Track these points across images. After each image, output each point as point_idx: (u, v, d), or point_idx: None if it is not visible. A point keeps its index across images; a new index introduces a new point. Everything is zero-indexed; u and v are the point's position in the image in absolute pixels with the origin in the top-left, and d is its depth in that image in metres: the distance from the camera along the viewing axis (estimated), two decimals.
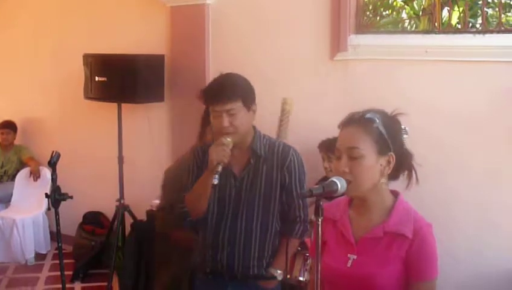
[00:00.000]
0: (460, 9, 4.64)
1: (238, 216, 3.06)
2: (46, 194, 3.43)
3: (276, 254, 3.11)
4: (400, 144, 2.25)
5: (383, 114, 2.26)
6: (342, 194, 2.20)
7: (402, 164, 2.27)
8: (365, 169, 2.19)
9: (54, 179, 3.40)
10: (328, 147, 4.20)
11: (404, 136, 2.29)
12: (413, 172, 2.30)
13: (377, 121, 2.19)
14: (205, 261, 3.14)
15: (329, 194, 2.12)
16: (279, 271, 3.08)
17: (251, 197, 3.04)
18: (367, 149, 2.18)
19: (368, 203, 2.28)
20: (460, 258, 4.09)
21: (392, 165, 2.22)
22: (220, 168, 2.84)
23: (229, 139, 2.90)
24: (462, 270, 4.09)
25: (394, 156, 2.22)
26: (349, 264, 2.25)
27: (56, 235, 3.59)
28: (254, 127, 3.11)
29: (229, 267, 3.07)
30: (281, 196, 3.06)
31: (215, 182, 2.82)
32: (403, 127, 2.29)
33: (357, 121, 2.22)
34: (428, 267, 2.18)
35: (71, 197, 3.38)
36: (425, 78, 4.25)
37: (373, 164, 2.20)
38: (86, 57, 5.39)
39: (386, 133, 2.20)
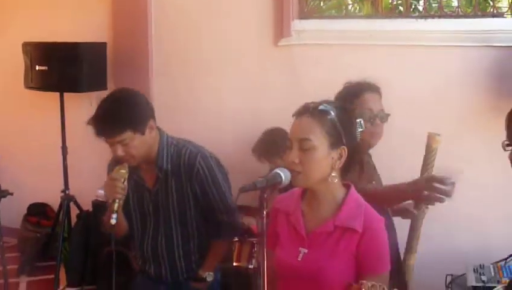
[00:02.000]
0: None
1: (159, 229, 3.00)
2: None
3: (205, 257, 3.06)
4: (353, 137, 2.25)
5: (338, 106, 2.25)
6: (288, 186, 2.20)
7: (353, 158, 2.27)
8: (316, 161, 2.18)
9: None
10: (265, 150, 4.20)
11: (359, 129, 2.28)
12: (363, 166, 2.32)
13: (332, 113, 2.18)
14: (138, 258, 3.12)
15: (274, 186, 2.11)
16: (207, 273, 3.03)
17: (167, 209, 2.97)
18: (319, 141, 2.17)
19: (319, 197, 2.28)
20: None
21: (343, 159, 2.22)
22: (116, 206, 2.72)
23: (122, 171, 2.77)
24: None
25: (346, 150, 2.21)
26: (299, 258, 2.26)
27: None
28: (161, 134, 2.97)
29: (157, 277, 3.06)
30: (197, 204, 2.98)
31: (113, 222, 2.71)
32: (358, 120, 2.29)
33: (310, 111, 2.21)
34: (379, 261, 2.20)
35: (11, 194, 3.31)
36: (370, 62, 4.27)
37: (324, 156, 2.19)
38: (25, 45, 5.23)
39: (340, 126, 2.19)
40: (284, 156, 2.27)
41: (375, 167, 3.17)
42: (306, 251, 2.25)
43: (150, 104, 2.95)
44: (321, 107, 2.20)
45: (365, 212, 2.24)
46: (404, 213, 3.20)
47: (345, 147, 2.21)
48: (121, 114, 2.79)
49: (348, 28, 4.44)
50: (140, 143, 2.81)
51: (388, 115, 3.01)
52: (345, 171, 2.29)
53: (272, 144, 3.98)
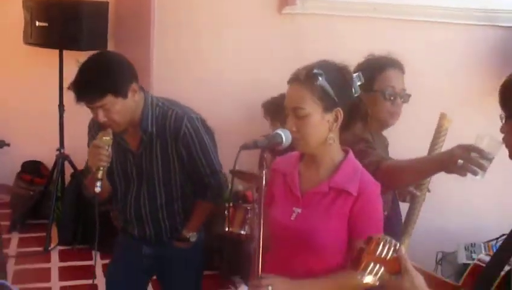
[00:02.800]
0: None
1: (141, 192, 2.95)
2: None
3: (189, 217, 3.02)
4: (348, 95, 2.22)
5: (329, 67, 2.22)
6: (289, 147, 2.20)
7: (354, 114, 2.26)
8: (312, 127, 2.18)
9: None
10: (272, 110, 4.18)
11: (358, 83, 2.26)
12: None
13: (320, 78, 2.15)
14: (119, 218, 3.10)
15: (274, 146, 2.11)
16: (191, 233, 2.99)
17: (151, 172, 2.91)
18: (311, 108, 2.17)
19: (317, 159, 2.28)
20: None
21: (340, 120, 2.21)
22: (100, 174, 2.65)
23: (107, 138, 2.67)
24: None
25: (341, 111, 2.20)
26: (293, 217, 2.25)
27: None
28: (145, 97, 2.86)
29: (141, 237, 3.03)
30: (182, 169, 2.92)
31: (98, 190, 2.64)
32: (355, 74, 2.26)
33: (301, 78, 2.19)
34: (371, 226, 2.19)
35: (8, 145, 3.28)
36: (372, 34, 4.26)
37: (319, 121, 2.18)
38: (26, 0, 5.19)
39: (331, 89, 2.17)
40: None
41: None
42: (300, 210, 2.25)
43: (132, 67, 2.81)
44: (310, 73, 2.18)
45: (361, 177, 2.24)
46: (405, 195, 3.18)
47: (339, 109, 2.19)
48: (100, 78, 2.66)
49: (353, 0, 4.41)
50: (122, 107, 2.70)
51: (409, 95, 2.89)
52: (346, 129, 2.28)
53: (282, 107, 4.02)
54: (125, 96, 2.70)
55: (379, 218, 2.24)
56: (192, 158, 2.90)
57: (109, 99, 2.64)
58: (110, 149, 2.68)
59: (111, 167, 2.86)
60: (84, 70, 2.69)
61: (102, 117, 2.67)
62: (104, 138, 2.67)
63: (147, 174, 2.93)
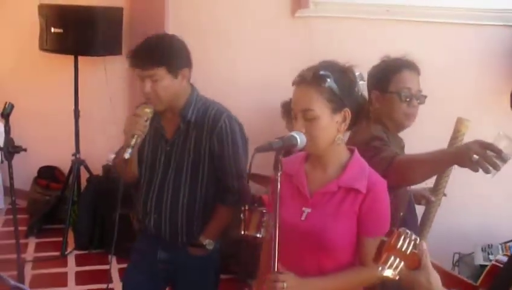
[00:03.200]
0: None
1: (166, 183, 2.96)
2: None
3: (208, 223, 3.00)
4: (354, 95, 2.24)
5: (335, 68, 2.23)
6: (302, 149, 2.21)
7: (360, 114, 2.29)
8: (321, 129, 2.19)
9: (7, 131, 3.30)
10: (288, 110, 4.18)
11: (361, 82, 2.27)
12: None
13: (328, 80, 2.16)
14: (139, 222, 3.10)
15: (289, 148, 2.13)
16: (207, 240, 2.97)
17: (180, 163, 2.93)
18: (320, 110, 2.18)
19: (324, 159, 2.29)
20: None
21: (348, 120, 2.23)
22: (133, 142, 2.71)
23: (147, 110, 2.77)
24: None
25: (349, 111, 2.21)
26: (303, 218, 2.27)
27: (10, 189, 3.52)
28: (192, 89, 2.97)
29: (156, 233, 3.00)
30: (211, 163, 2.93)
31: (127, 156, 2.70)
32: (357, 73, 2.27)
33: (308, 79, 2.19)
34: (378, 224, 2.20)
35: (25, 150, 3.30)
36: (386, 37, 4.25)
37: (328, 122, 2.20)
38: (42, 7, 5.23)
39: (339, 90, 2.18)
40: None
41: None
42: (309, 210, 2.27)
43: (190, 56, 2.94)
44: (319, 73, 2.19)
45: (369, 175, 2.25)
46: (420, 199, 3.16)
47: (347, 109, 2.21)
48: (161, 49, 2.80)
49: (366, 2, 4.41)
50: (169, 85, 2.80)
51: (425, 96, 2.88)
52: (349, 128, 2.30)
53: None
54: (175, 76, 2.81)
55: (387, 215, 2.26)
56: (223, 155, 2.92)
57: (161, 71, 2.76)
58: (148, 122, 2.77)
59: (141, 154, 2.96)
60: (149, 40, 2.85)
61: (148, 88, 2.77)
62: (145, 109, 2.77)
63: (175, 166, 2.94)
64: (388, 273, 1.68)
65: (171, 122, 2.94)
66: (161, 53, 2.78)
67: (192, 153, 2.91)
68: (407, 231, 1.70)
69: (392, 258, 1.67)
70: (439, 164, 2.49)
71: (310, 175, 2.34)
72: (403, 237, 1.68)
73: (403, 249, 1.67)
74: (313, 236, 2.23)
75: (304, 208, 2.28)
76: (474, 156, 2.18)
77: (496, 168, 2.17)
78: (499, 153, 2.17)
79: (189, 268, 3.02)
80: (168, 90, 2.80)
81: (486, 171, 2.17)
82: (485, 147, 2.18)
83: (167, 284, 3.18)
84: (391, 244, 1.68)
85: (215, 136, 2.88)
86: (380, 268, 1.68)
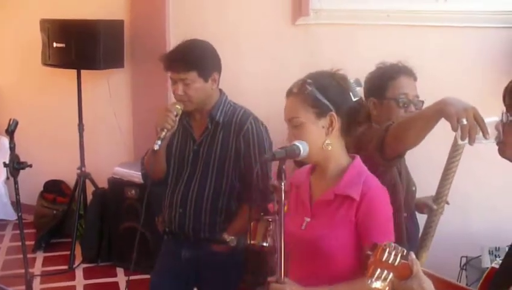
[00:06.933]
0: None
1: (193, 179, 3.09)
2: (4, 163, 3.36)
3: (231, 220, 3.12)
4: (343, 100, 2.25)
5: (322, 75, 2.28)
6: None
7: (354, 118, 2.28)
8: (307, 134, 2.23)
9: (12, 148, 3.31)
10: None
11: (357, 88, 2.28)
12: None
13: (309, 87, 2.21)
14: (164, 221, 3.22)
15: (292, 157, 2.15)
16: (230, 237, 3.00)
17: (206, 162, 3.07)
18: (304, 116, 2.23)
19: (323, 167, 2.32)
20: None
21: (335, 124, 2.24)
22: (163, 134, 2.89)
23: (178, 107, 2.95)
24: None
25: (335, 115, 2.23)
26: (303, 227, 2.30)
27: (16, 205, 3.53)
28: (221, 92, 3.14)
29: (181, 228, 3.11)
30: (237, 163, 3.06)
31: (156, 148, 2.90)
32: (352, 80, 2.28)
33: (295, 91, 2.27)
34: (377, 231, 2.19)
35: (30, 166, 3.31)
36: (387, 43, 4.25)
37: (314, 127, 2.24)
38: (43, 22, 5.24)
39: (322, 95, 2.21)
40: None
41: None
42: (309, 219, 2.30)
43: (220, 60, 3.15)
44: (300, 83, 2.26)
45: (365, 180, 2.25)
46: (422, 208, 3.15)
47: (332, 113, 2.23)
48: (193, 54, 3.01)
49: (366, 8, 4.41)
50: (200, 88, 2.99)
51: (422, 102, 2.89)
52: (348, 134, 2.30)
53: None
54: (206, 80, 3.01)
55: (386, 219, 2.25)
56: (249, 154, 3.06)
57: (193, 75, 2.96)
58: (177, 118, 2.95)
59: (169, 152, 3.12)
60: (183, 45, 3.09)
61: (181, 91, 2.97)
62: (176, 105, 2.96)
63: (202, 164, 3.08)
64: (377, 285, 1.71)
65: (199, 123, 3.12)
66: (193, 58, 2.98)
67: (219, 152, 3.06)
68: (392, 244, 1.73)
69: (379, 270, 1.71)
70: (427, 116, 2.35)
71: (314, 185, 2.37)
72: (387, 251, 1.71)
73: (390, 262, 1.70)
74: (310, 245, 2.25)
75: (305, 218, 2.32)
76: (464, 120, 2.12)
77: (472, 142, 2.11)
78: (483, 130, 2.12)
79: (212, 266, 3.13)
80: (198, 92, 2.99)
81: (463, 139, 2.10)
82: (477, 120, 2.12)
83: (192, 287, 3.31)
84: (376, 259, 1.72)
85: (241, 137, 3.04)
86: (369, 281, 1.72)
